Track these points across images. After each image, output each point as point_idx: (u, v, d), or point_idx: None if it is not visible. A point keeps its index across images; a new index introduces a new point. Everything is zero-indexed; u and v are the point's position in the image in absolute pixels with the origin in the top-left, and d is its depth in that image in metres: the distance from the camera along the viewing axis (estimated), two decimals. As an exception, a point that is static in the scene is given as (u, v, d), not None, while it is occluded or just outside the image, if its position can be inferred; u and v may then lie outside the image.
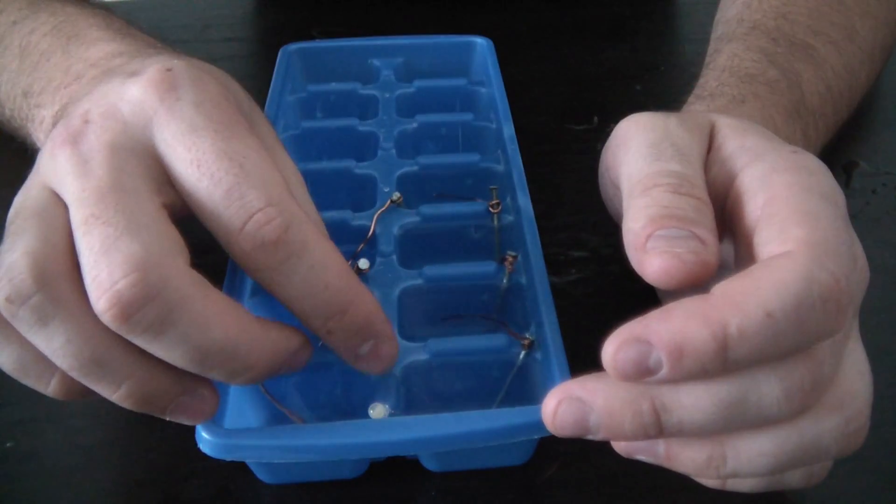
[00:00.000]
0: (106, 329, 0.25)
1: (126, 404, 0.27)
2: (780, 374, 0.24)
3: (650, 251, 0.26)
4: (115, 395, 0.27)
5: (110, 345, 0.26)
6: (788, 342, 0.23)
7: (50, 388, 0.28)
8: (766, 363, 0.24)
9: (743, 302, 0.23)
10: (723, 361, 0.23)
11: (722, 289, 0.24)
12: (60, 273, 0.26)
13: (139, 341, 0.26)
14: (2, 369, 0.28)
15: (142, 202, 0.27)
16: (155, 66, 0.29)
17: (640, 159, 0.29)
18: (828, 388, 0.25)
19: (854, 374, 0.26)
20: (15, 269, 0.25)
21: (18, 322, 0.26)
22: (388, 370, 0.31)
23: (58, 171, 0.27)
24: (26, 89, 0.39)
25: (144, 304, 0.25)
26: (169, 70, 0.29)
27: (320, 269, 0.28)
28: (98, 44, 0.37)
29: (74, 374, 0.26)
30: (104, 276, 0.25)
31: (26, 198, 0.28)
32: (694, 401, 0.24)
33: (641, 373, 0.24)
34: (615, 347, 0.24)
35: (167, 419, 0.28)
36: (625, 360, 0.23)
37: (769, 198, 0.27)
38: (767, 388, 0.24)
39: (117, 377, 0.26)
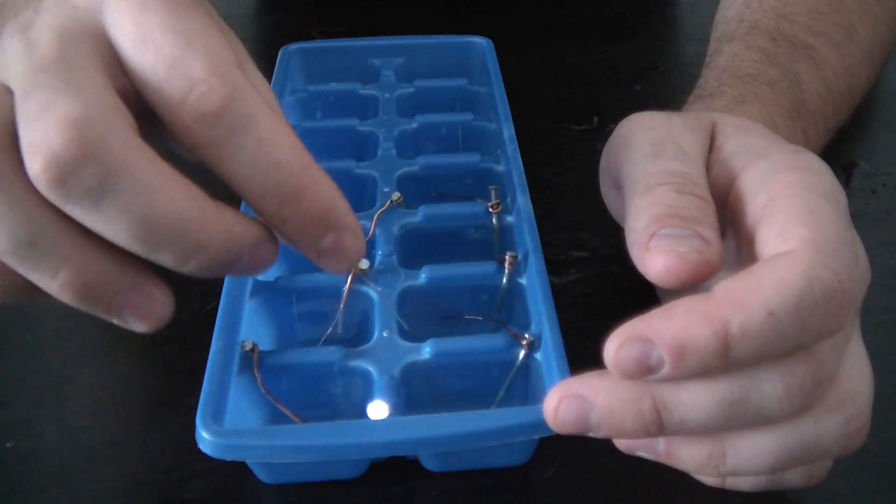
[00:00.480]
0: (43, 205, 0.24)
1: (66, 297, 0.25)
2: (781, 373, 0.24)
3: (653, 250, 0.26)
4: (54, 283, 0.25)
5: (47, 223, 0.24)
6: (790, 341, 0.23)
7: None
8: (767, 362, 0.24)
9: (745, 301, 0.23)
10: (724, 360, 0.23)
11: (724, 287, 0.24)
12: None
13: (78, 212, 0.24)
14: None
15: (87, 72, 0.25)
16: None
17: (642, 158, 0.29)
18: (829, 388, 0.25)
19: (855, 373, 0.26)
20: None
21: None
22: (351, 266, 0.28)
23: (6, 59, 0.25)
24: None
25: (83, 164, 0.23)
26: None
27: (269, 146, 0.25)
28: None
29: (8, 260, 0.24)
30: (39, 135, 0.23)
31: None
32: (695, 399, 0.24)
33: (643, 371, 0.24)
34: (617, 345, 0.24)
35: (115, 321, 0.26)
36: (627, 357, 0.24)
37: (771, 197, 0.27)
38: (769, 386, 0.24)
39: (55, 261, 0.24)
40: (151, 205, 0.23)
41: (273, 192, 0.25)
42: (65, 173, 0.23)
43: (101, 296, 0.25)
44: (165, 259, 0.25)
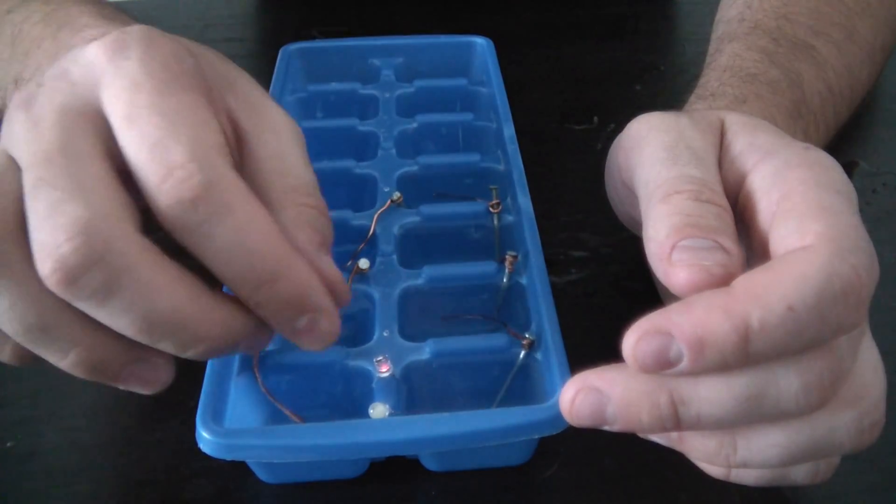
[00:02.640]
0: (52, 295, 0.25)
1: (76, 372, 0.26)
2: (799, 369, 0.24)
3: (676, 263, 0.26)
4: (64, 362, 0.26)
5: (57, 310, 0.25)
6: (809, 336, 0.23)
7: (5, 356, 0.27)
8: (785, 357, 0.24)
9: (764, 295, 0.23)
10: (744, 355, 0.23)
11: (743, 282, 0.24)
12: (7, 236, 0.25)
13: (85, 307, 0.25)
14: None
15: (90, 165, 0.26)
16: (112, 32, 0.28)
17: (656, 163, 0.29)
18: (844, 383, 0.25)
19: (868, 368, 0.26)
20: None
21: None
22: (327, 346, 0.29)
23: (12, 134, 0.27)
24: (17, 76, 0.39)
25: (88, 268, 0.24)
26: (123, 33, 0.28)
27: (244, 233, 0.26)
28: (85, 30, 0.37)
29: (20, 340, 0.26)
30: (48, 238, 0.24)
31: None
32: (712, 394, 0.24)
33: (661, 364, 0.24)
34: (636, 338, 0.24)
35: (121, 387, 0.27)
36: (645, 351, 0.24)
37: (784, 194, 0.27)
38: (786, 382, 0.24)
39: (64, 345, 0.26)
40: (153, 303, 0.25)
41: (247, 277, 0.26)
42: (72, 277, 0.24)
43: (108, 371, 0.27)
44: (166, 347, 0.26)
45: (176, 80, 0.27)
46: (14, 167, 0.27)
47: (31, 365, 0.28)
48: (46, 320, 0.25)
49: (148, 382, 0.28)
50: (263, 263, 0.26)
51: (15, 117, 0.27)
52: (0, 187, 0.26)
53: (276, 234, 0.27)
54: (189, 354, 0.27)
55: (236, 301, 0.27)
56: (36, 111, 0.27)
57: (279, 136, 0.30)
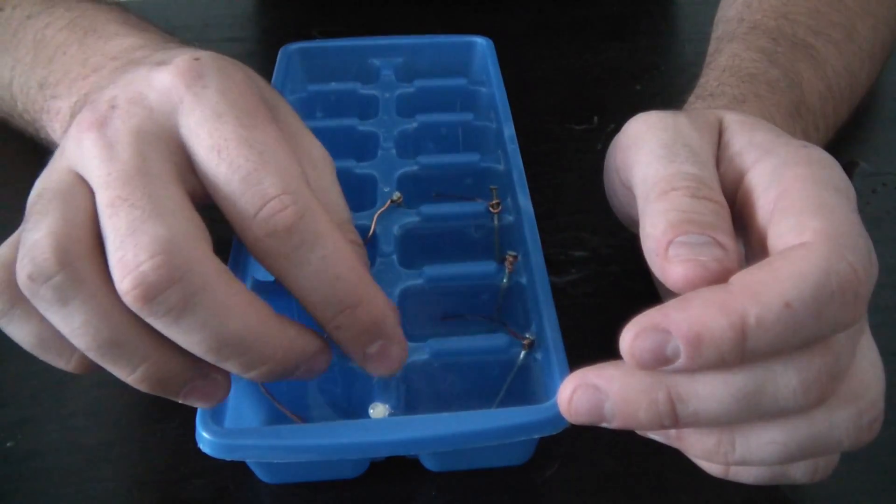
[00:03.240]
0: (125, 311, 0.26)
1: (141, 387, 0.27)
2: (797, 366, 0.24)
3: (673, 259, 0.26)
4: (131, 377, 0.27)
5: (129, 327, 0.26)
6: (807, 333, 0.23)
7: (70, 365, 0.28)
8: (783, 354, 0.24)
9: (762, 292, 0.23)
10: (741, 351, 0.23)
11: (741, 279, 0.24)
12: (83, 254, 0.26)
13: (159, 325, 0.26)
14: (23, 346, 0.28)
15: (167, 187, 0.27)
16: (183, 56, 0.29)
17: (654, 161, 0.29)
18: (843, 380, 0.25)
19: (867, 366, 0.26)
20: (38, 248, 0.26)
21: (39, 300, 0.26)
22: (394, 373, 0.31)
23: (83, 154, 0.28)
24: (41, 81, 0.39)
25: (168, 286, 0.25)
26: (197, 59, 0.29)
27: (332, 261, 0.28)
28: (116, 38, 0.38)
29: (91, 355, 0.26)
30: (130, 256, 0.25)
31: (50, 180, 0.28)
32: (710, 391, 0.24)
33: (659, 361, 0.24)
34: (633, 335, 0.24)
35: (179, 401, 0.28)
36: (643, 348, 0.24)
37: (782, 191, 0.27)
38: (784, 379, 0.24)
39: (134, 360, 0.27)
40: (225, 323, 0.26)
41: (332, 302, 0.28)
42: (151, 294, 0.25)
43: (173, 387, 0.28)
44: (231, 367, 0.27)
45: (256, 112, 0.29)
46: (85, 186, 0.27)
47: (96, 371, 0.28)
48: (118, 336, 0.26)
49: (207, 397, 0.29)
50: (348, 289, 0.28)
51: (86, 137, 0.28)
52: (73, 203, 0.27)
53: (360, 264, 0.29)
54: (251, 375, 0.28)
55: (301, 326, 0.29)
56: (110, 133, 0.27)
57: (319, 170, 0.32)
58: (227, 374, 0.29)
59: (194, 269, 0.25)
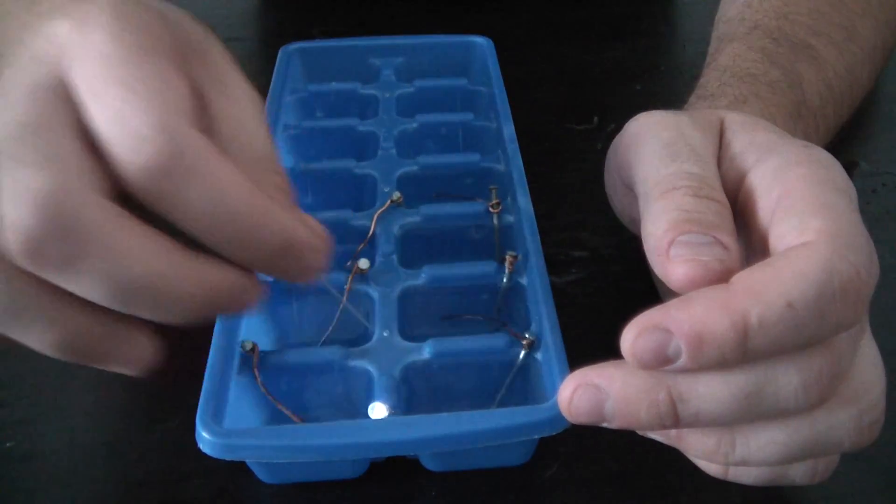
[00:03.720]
0: (23, 274, 0.25)
1: (56, 354, 0.26)
2: (798, 366, 0.24)
3: (674, 259, 0.26)
4: (44, 343, 0.26)
5: (29, 290, 0.25)
6: (808, 333, 0.23)
7: None
8: (784, 354, 0.24)
9: (764, 292, 0.23)
10: (742, 351, 0.23)
11: (742, 279, 0.24)
12: None
13: (56, 279, 0.25)
14: None
15: (57, 138, 0.25)
16: (81, 4, 0.28)
17: (655, 160, 0.29)
18: (844, 381, 0.25)
19: (868, 366, 0.26)
20: None
21: None
22: (318, 276, 0.28)
23: None
24: None
25: (51, 237, 0.24)
26: (91, 3, 0.27)
27: (219, 194, 0.25)
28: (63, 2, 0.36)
29: None
30: (12, 213, 0.24)
31: None
32: (711, 391, 0.24)
33: (660, 361, 0.24)
34: (634, 334, 0.24)
35: (109, 370, 0.27)
36: (644, 347, 0.24)
37: (784, 191, 0.27)
38: (785, 379, 0.24)
39: (40, 324, 0.26)
40: (123, 268, 0.24)
41: (231, 238, 0.26)
42: (35, 246, 0.24)
43: (89, 351, 0.26)
44: (145, 314, 0.26)
45: (143, 49, 0.27)
46: None
47: (7, 347, 0.27)
48: (19, 301, 0.25)
49: (131, 362, 0.27)
50: (245, 221, 0.26)
51: None
52: None
53: (251, 188, 0.26)
54: (172, 319, 0.26)
55: (218, 261, 0.27)
56: (5, 86, 0.26)
57: (242, 108, 0.29)
58: (149, 334, 0.27)
59: (81, 216, 0.24)
